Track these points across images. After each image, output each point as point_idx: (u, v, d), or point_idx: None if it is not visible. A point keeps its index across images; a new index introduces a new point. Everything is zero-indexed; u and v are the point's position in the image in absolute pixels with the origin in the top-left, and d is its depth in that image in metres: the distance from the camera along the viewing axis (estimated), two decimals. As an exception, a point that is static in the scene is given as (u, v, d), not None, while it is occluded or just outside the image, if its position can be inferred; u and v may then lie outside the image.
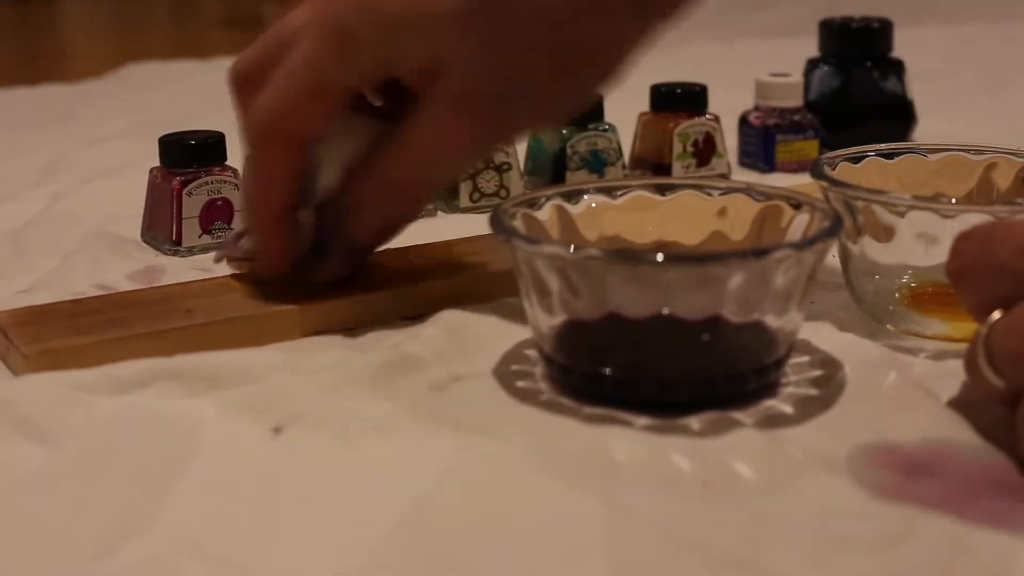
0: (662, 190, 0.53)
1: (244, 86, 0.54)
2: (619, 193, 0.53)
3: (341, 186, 0.54)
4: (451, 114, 0.51)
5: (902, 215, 0.51)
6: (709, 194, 0.52)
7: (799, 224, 0.49)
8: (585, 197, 0.53)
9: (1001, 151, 0.57)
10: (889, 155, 0.58)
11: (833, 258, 0.61)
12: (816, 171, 0.53)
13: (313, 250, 0.55)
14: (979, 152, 0.58)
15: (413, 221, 0.57)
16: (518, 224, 0.49)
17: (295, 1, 0.53)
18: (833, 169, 0.55)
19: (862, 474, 0.41)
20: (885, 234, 0.52)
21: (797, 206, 0.50)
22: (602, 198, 0.53)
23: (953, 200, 0.53)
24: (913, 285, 0.53)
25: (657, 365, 0.46)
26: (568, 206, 0.52)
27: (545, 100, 0.52)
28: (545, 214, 0.51)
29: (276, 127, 0.52)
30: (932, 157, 0.58)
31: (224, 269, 0.63)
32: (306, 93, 0.51)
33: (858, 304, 0.55)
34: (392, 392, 0.48)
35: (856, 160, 0.57)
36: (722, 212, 0.52)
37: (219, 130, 0.69)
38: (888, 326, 0.53)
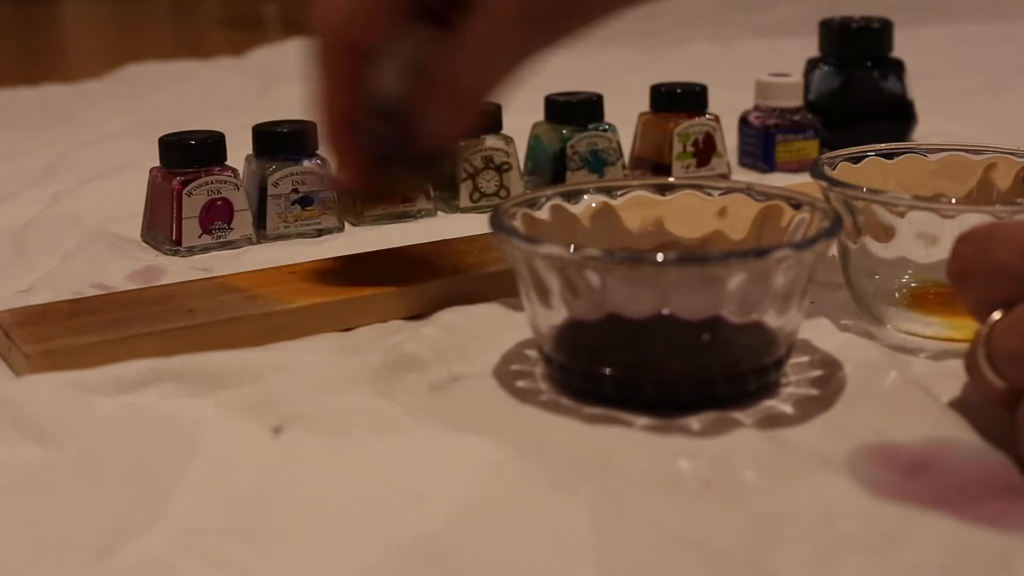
0: (662, 190, 0.53)
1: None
2: (619, 193, 0.53)
3: (404, 95, 0.54)
4: (500, 8, 0.51)
5: (902, 215, 0.51)
6: (709, 194, 0.52)
7: (799, 224, 0.49)
8: (585, 197, 0.53)
9: (1001, 151, 0.57)
10: (889, 155, 0.58)
11: (833, 258, 0.61)
12: (816, 171, 0.53)
13: (382, 162, 0.55)
14: (979, 152, 0.58)
15: (476, 126, 0.56)
16: (518, 224, 0.49)
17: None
18: (833, 169, 0.55)
19: (862, 474, 0.41)
20: (885, 234, 0.52)
21: (797, 206, 0.50)
22: (602, 198, 0.53)
23: (953, 200, 0.53)
24: (913, 285, 0.53)
25: (657, 365, 0.46)
26: (568, 206, 0.52)
27: None
28: (545, 214, 0.51)
29: (336, 35, 0.53)
30: (932, 157, 0.58)
31: (224, 268, 0.63)
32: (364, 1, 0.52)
33: (858, 304, 0.55)
34: (392, 392, 0.48)
35: (856, 160, 0.57)
36: (722, 212, 0.52)
37: (219, 130, 0.69)
38: (888, 326, 0.53)
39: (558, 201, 0.52)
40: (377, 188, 0.56)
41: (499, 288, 0.56)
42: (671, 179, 0.54)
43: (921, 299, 0.53)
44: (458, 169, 0.74)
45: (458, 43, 0.52)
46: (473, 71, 0.53)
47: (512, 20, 0.52)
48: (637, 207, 0.53)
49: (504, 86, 0.54)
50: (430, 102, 0.54)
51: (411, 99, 0.54)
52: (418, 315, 0.55)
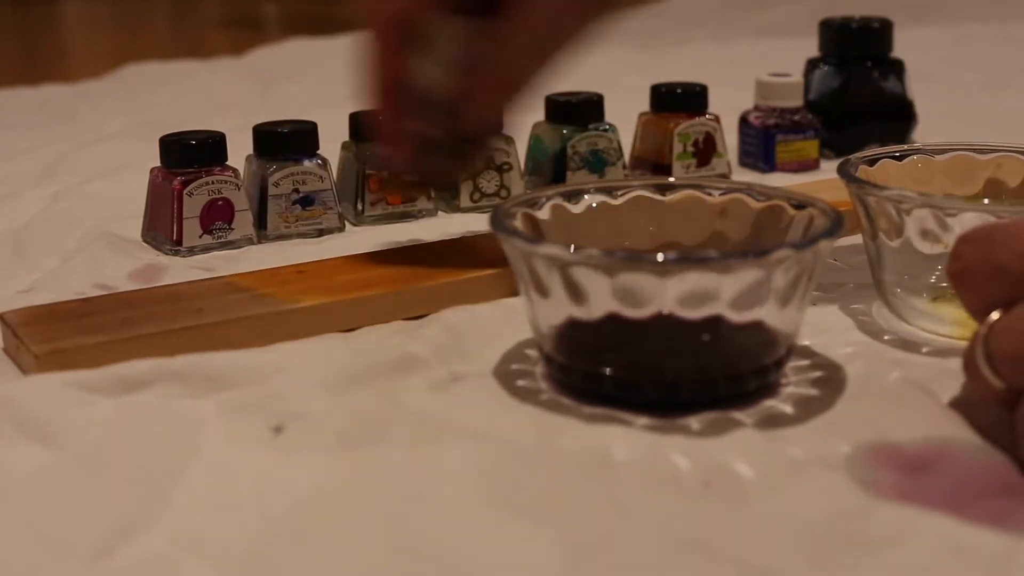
0: (663, 190, 0.53)
1: None
2: (620, 193, 0.53)
3: (448, 84, 0.56)
4: None
5: (953, 215, 0.50)
6: (709, 194, 0.52)
7: (799, 224, 0.49)
8: (585, 197, 0.53)
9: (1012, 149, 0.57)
10: (933, 153, 0.58)
11: (835, 262, 0.61)
12: (846, 173, 0.53)
13: (428, 148, 0.57)
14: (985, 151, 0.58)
15: (521, 111, 0.57)
16: (518, 224, 0.49)
17: None
18: (872, 166, 0.55)
19: (862, 474, 0.41)
20: (925, 235, 0.51)
21: (797, 206, 0.50)
22: (602, 198, 0.53)
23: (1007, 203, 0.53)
24: (943, 285, 0.53)
25: (657, 365, 0.46)
26: (568, 206, 0.52)
27: None
28: (545, 214, 0.51)
29: (383, 11, 0.55)
30: (982, 157, 0.58)
31: (225, 268, 0.63)
32: None
33: (886, 303, 0.55)
34: (392, 392, 0.48)
35: (900, 158, 0.57)
36: (722, 212, 0.52)
37: (219, 130, 0.69)
38: (915, 324, 0.53)
39: (558, 201, 0.52)
40: (422, 171, 0.59)
41: (502, 288, 0.56)
42: (672, 179, 0.54)
43: (950, 298, 0.52)
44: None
45: (506, 27, 0.53)
46: (522, 55, 0.54)
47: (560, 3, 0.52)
48: (637, 207, 0.53)
49: (552, 69, 0.55)
50: (477, 87, 0.55)
51: (456, 87, 0.55)
52: (419, 316, 0.55)
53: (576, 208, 0.52)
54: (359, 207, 0.72)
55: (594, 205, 0.53)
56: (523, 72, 0.54)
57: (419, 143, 0.57)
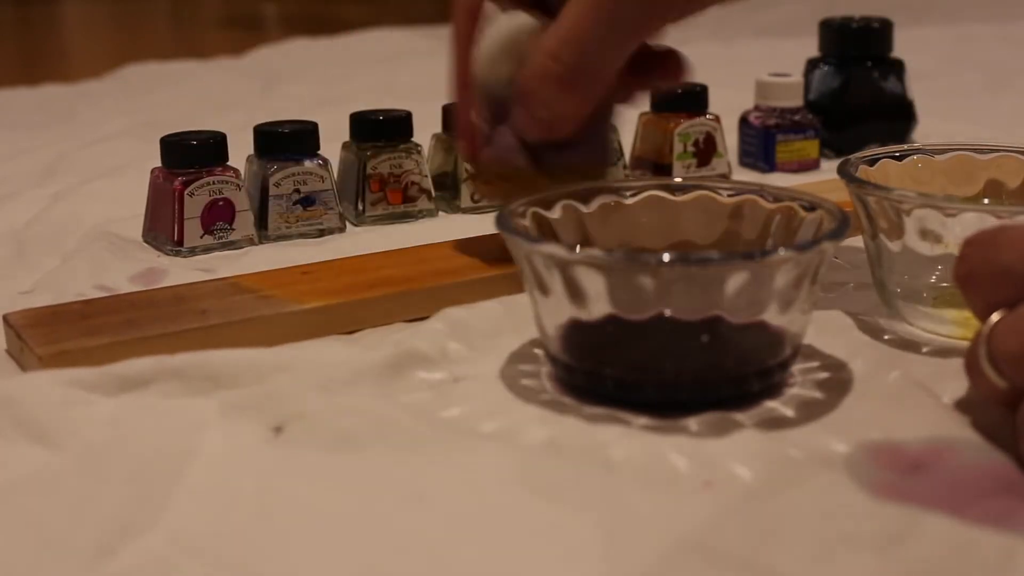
0: (675, 190, 0.53)
1: None
2: (632, 193, 0.53)
3: (507, 79, 0.55)
4: None
5: (953, 215, 0.50)
6: (722, 195, 0.52)
7: (809, 226, 0.49)
8: (598, 197, 0.53)
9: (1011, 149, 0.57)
10: (933, 153, 0.58)
11: (835, 259, 0.61)
12: (846, 173, 0.53)
13: (495, 149, 0.56)
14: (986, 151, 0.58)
15: (582, 115, 0.53)
16: (527, 223, 0.49)
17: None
18: (872, 166, 0.55)
19: (863, 473, 0.41)
20: (925, 236, 0.51)
21: (808, 208, 0.50)
22: (615, 198, 0.53)
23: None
24: (944, 285, 0.53)
25: (658, 366, 0.46)
26: (579, 206, 0.52)
27: None
28: (556, 214, 0.51)
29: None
30: (982, 157, 0.58)
31: (226, 269, 0.63)
32: None
33: (886, 303, 0.55)
34: (393, 392, 0.48)
35: (900, 158, 0.57)
36: (735, 213, 0.52)
37: (220, 130, 0.69)
38: (915, 325, 0.53)
39: (571, 201, 0.52)
40: (490, 168, 0.56)
41: (504, 289, 0.56)
42: (684, 180, 0.54)
43: (950, 298, 0.52)
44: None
45: (554, 24, 0.51)
46: (565, 52, 0.51)
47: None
48: (650, 207, 0.53)
49: (606, 66, 0.51)
50: (527, 85, 0.52)
51: (508, 80, 0.54)
52: (422, 317, 0.55)
53: (588, 208, 0.52)
54: (360, 207, 0.72)
55: (610, 204, 0.52)
56: (563, 67, 0.51)
57: (480, 137, 0.56)
